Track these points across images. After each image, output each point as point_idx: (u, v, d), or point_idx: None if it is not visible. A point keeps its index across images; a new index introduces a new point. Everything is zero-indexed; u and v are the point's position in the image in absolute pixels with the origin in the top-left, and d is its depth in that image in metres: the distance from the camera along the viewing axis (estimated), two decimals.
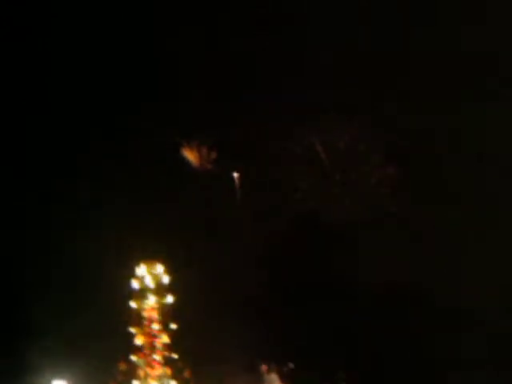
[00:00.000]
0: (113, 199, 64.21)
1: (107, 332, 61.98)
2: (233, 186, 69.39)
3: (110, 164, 65.19)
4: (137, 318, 65.09)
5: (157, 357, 63.54)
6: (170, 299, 64.90)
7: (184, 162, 69.66)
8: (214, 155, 69.42)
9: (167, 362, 64.02)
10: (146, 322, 64.51)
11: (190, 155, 69.31)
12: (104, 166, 65.00)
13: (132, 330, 64.01)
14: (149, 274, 65.52)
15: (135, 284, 65.31)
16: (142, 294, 65.38)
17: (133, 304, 64.62)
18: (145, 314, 64.68)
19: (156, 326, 64.12)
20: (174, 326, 64.08)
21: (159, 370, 63.63)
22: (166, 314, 64.72)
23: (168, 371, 63.73)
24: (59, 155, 66.34)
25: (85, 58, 66.73)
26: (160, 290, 65.60)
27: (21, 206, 63.97)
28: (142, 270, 65.60)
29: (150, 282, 65.33)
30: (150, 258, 65.71)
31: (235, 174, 69.79)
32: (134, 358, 63.88)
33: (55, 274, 63.74)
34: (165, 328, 64.15)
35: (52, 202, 63.76)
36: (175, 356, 63.69)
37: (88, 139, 65.83)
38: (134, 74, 66.85)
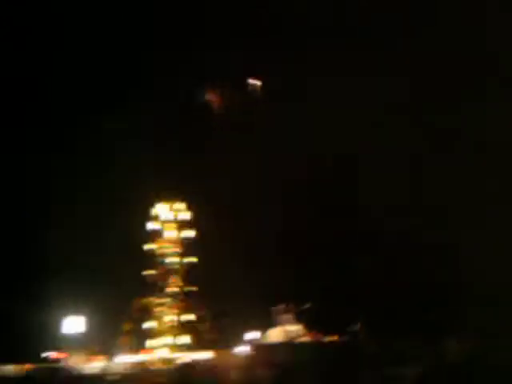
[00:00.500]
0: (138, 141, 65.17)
1: (124, 270, 62.98)
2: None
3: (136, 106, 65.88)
4: (153, 258, 66.13)
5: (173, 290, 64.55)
6: (190, 233, 65.83)
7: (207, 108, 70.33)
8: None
9: (184, 297, 65.22)
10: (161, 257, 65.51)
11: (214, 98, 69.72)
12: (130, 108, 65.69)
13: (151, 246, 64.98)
14: (170, 210, 66.46)
15: (153, 225, 66.27)
16: (160, 232, 66.40)
17: (151, 246, 65.67)
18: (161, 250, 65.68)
19: (175, 259, 64.93)
20: (193, 259, 65.25)
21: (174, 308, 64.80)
22: (185, 247, 65.69)
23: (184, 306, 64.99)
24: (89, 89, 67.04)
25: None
26: (179, 225, 66.52)
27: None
28: (162, 207, 66.50)
29: (170, 217, 66.35)
30: (171, 196, 66.65)
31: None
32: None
33: (76, 210, 64.43)
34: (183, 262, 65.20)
35: (78, 139, 64.19)
36: (192, 288, 64.77)
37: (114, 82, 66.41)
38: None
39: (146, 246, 65.39)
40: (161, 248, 66.01)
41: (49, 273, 61.99)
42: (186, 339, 64.83)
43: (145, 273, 65.20)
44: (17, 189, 63.49)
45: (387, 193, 63.22)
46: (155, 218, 66.27)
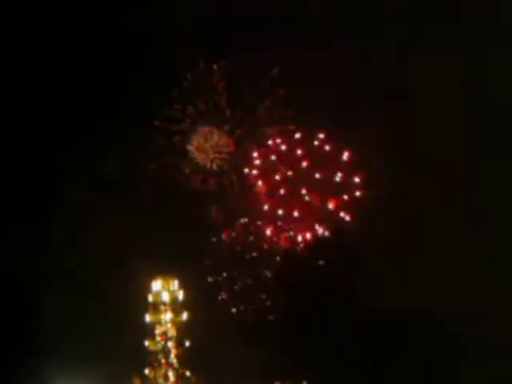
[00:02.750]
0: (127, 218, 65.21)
1: (122, 347, 62.61)
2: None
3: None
4: (151, 333, 65.69)
5: (170, 372, 64.07)
6: (184, 316, 65.37)
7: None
8: None
9: (180, 378, 64.55)
10: (160, 338, 65.09)
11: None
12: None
13: (147, 343, 64.73)
14: (164, 289, 66.11)
15: (151, 298, 65.99)
16: (157, 308, 66.01)
17: (148, 318, 65.31)
18: (159, 329, 65.27)
19: (170, 343, 64.63)
20: (187, 343, 64.82)
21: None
22: (180, 330, 65.25)
23: None
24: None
25: None
26: (175, 306, 66.07)
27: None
28: (157, 285, 66.21)
29: (165, 297, 65.98)
30: (165, 273, 66.36)
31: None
32: (147, 372, 64.84)
33: (68, 290, 64.47)
34: (179, 344, 64.72)
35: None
36: (188, 373, 64.29)
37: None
38: None
39: (147, 318, 65.01)
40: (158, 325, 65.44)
41: (43, 351, 61.68)
42: None
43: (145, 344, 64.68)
44: None
45: None
46: (154, 294, 65.99)
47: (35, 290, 62.87)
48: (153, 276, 66.27)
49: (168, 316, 65.14)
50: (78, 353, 61.86)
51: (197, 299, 65.51)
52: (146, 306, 66.26)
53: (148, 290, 66.34)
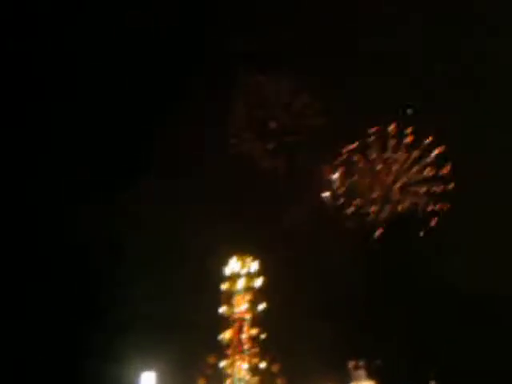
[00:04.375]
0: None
1: (196, 325, 63.28)
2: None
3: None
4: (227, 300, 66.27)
5: (245, 347, 64.45)
6: (262, 305, 65.76)
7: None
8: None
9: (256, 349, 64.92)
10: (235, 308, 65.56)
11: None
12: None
13: (222, 310, 65.22)
14: (239, 261, 66.80)
15: (227, 270, 66.68)
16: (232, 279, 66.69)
17: (224, 286, 65.95)
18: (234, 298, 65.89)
19: (245, 306, 65.01)
20: (261, 306, 65.06)
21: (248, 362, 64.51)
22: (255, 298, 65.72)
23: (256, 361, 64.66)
24: None
25: None
26: (253, 292, 66.57)
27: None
28: (233, 262, 66.86)
29: (240, 269, 66.65)
30: (241, 249, 66.98)
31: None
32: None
33: (149, 265, 65.54)
34: (252, 308, 65.16)
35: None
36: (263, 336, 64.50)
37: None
38: None
39: (221, 309, 65.46)
40: (233, 303, 65.83)
41: (122, 328, 62.84)
42: None
43: (220, 336, 65.07)
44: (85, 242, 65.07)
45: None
46: (227, 277, 66.49)
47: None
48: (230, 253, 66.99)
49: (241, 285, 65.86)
50: (153, 332, 63.16)
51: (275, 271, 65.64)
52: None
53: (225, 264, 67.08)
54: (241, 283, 66.14)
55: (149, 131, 68.79)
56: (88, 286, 64.89)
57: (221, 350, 64.70)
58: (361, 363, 62.59)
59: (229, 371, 64.11)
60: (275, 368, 63.30)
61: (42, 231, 65.27)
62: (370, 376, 62.23)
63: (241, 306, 65.53)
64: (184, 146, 68.32)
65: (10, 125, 65.59)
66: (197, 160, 68.74)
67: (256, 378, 63.84)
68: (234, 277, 66.52)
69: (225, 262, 67.15)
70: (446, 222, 66.67)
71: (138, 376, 62.01)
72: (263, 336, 64.54)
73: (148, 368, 62.23)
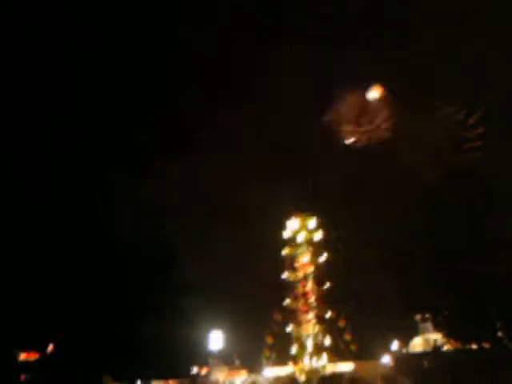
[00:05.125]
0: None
1: (262, 284, 64.12)
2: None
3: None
4: (290, 265, 66.77)
5: (311, 300, 65.00)
6: (323, 257, 66.13)
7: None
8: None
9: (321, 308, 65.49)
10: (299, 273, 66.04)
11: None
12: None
13: (285, 276, 65.79)
14: (302, 227, 67.02)
15: (288, 234, 67.02)
16: (294, 244, 67.03)
17: (285, 251, 66.40)
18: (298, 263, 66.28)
19: (306, 257, 65.44)
20: (324, 257, 65.66)
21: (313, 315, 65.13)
22: (317, 249, 66.10)
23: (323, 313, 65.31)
24: None
25: None
26: (314, 245, 66.94)
27: None
28: (294, 222, 67.15)
29: (302, 236, 66.89)
30: (303, 211, 67.22)
31: None
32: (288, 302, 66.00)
33: (212, 226, 66.54)
34: (314, 260, 65.62)
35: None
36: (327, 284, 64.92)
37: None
38: None
39: (284, 275, 66.02)
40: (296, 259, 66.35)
41: (191, 289, 64.04)
42: (327, 342, 64.50)
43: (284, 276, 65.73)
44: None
45: None
46: (287, 237, 66.90)
47: None
48: (290, 214, 67.22)
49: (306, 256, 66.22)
50: (220, 289, 64.36)
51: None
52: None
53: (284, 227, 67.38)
54: (301, 237, 66.49)
55: None
56: (157, 250, 66.15)
57: (287, 315, 65.57)
58: (427, 316, 62.64)
59: (296, 332, 65.03)
60: (342, 322, 63.97)
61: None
62: (436, 328, 62.33)
63: (303, 258, 66.09)
64: None
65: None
66: None
67: (322, 327, 64.65)
68: (295, 234, 66.98)
69: (284, 224, 67.61)
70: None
71: (207, 335, 63.46)
72: (327, 286, 65.01)
73: (216, 327, 63.58)
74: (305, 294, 65.58)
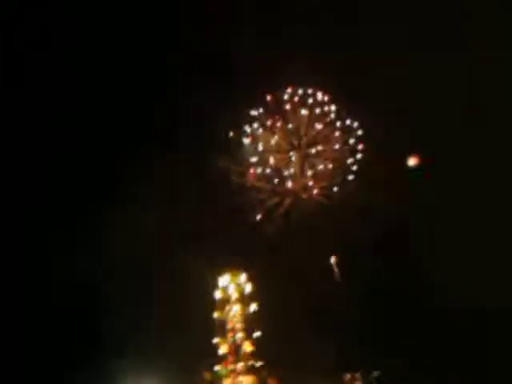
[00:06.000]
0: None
1: (191, 343, 62.79)
2: None
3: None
4: (221, 328, 65.55)
5: (241, 365, 63.66)
6: (253, 307, 65.17)
7: None
8: None
9: (251, 370, 64.09)
10: (230, 332, 64.89)
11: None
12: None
13: (216, 339, 64.54)
14: (232, 283, 66.12)
15: (218, 294, 66.00)
16: (225, 304, 65.96)
17: (216, 314, 65.24)
18: (229, 324, 65.15)
19: (240, 335, 64.34)
20: (258, 334, 64.47)
21: (244, 379, 63.69)
22: (250, 322, 64.97)
23: (252, 379, 63.87)
24: None
25: None
26: (243, 299, 65.96)
27: None
28: (225, 279, 66.27)
29: (233, 292, 65.95)
30: (233, 267, 66.47)
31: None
32: (218, 367, 64.52)
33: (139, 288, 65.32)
34: (249, 336, 64.45)
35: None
36: (260, 363, 63.75)
37: None
38: None
39: (215, 314, 64.97)
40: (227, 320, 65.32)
41: (113, 348, 62.54)
42: None
43: (214, 340, 64.53)
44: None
45: None
46: (222, 289, 66.07)
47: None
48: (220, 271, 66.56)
49: (235, 309, 65.26)
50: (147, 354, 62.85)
51: (265, 290, 65.35)
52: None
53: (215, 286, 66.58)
54: (236, 308, 65.86)
55: None
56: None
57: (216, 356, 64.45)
58: (357, 375, 62.26)
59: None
60: (272, 381, 63.08)
61: None
62: None
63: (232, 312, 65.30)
64: None
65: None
66: None
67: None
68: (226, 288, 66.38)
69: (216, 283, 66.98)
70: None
71: None
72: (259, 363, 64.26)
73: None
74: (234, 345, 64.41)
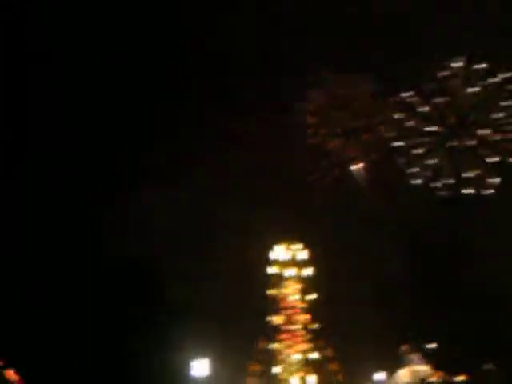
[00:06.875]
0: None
1: (248, 312, 63.14)
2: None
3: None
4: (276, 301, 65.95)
5: (297, 329, 64.11)
6: (309, 271, 65.42)
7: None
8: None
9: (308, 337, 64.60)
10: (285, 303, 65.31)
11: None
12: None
13: (271, 292, 65.05)
14: (288, 250, 66.32)
15: (274, 269, 66.35)
16: (280, 275, 66.27)
17: (272, 290, 65.72)
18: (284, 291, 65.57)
19: (296, 296, 64.68)
20: (313, 296, 64.84)
21: (299, 346, 64.13)
22: (306, 287, 65.39)
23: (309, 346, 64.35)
24: None
25: None
26: (299, 264, 66.25)
27: None
28: (280, 249, 66.48)
29: (288, 257, 66.25)
30: (289, 238, 66.61)
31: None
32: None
33: (197, 255, 65.53)
34: (303, 297, 64.86)
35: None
36: (316, 326, 64.16)
37: None
38: None
39: (269, 291, 65.09)
40: (282, 289, 65.53)
41: (176, 315, 62.83)
42: (312, 380, 63.26)
43: (268, 318, 64.79)
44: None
45: None
46: (274, 262, 66.11)
47: None
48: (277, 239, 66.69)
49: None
50: (205, 318, 63.15)
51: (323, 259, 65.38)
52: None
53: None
54: (292, 271, 65.88)
55: None
56: (142, 274, 64.91)
57: (271, 333, 64.64)
58: (414, 347, 62.40)
59: (281, 356, 64.00)
60: (329, 352, 63.22)
61: None
62: (423, 359, 62.04)
63: (292, 295, 65.33)
64: None
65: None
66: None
67: (309, 369, 63.76)
68: (283, 263, 66.27)
69: (271, 247, 66.92)
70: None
71: (190, 363, 62.03)
72: (315, 325, 64.28)
73: (201, 355, 62.19)
74: (291, 323, 64.64)
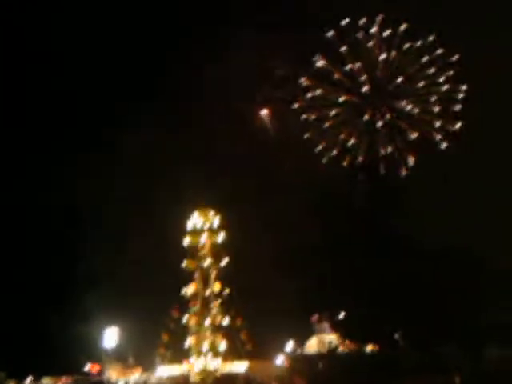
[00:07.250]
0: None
1: (160, 282, 63.00)
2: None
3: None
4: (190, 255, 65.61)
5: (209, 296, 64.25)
6: (221, 236, 65.26)
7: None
8: None
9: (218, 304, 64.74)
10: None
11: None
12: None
13: (185, 264, 64.71)
14: (202, 217, 65.97)
15: (189, 225, 65.85)
16: (196, 245, 65.92)
17: (187, 240, 65.17)
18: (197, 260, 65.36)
19: (209, 260, 64.56)
20: (225, 260, 64.84)
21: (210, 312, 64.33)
22: (218, 251, 65.14)
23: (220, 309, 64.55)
24: None
25: None
26: (213, 231, 65.92)
27: None
28: (195, 215, 66.15)
29: (203, 224, 65.90)
30: (203, 204, 66.25)
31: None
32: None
33: (115, 223, 65.19)
34: (216, 263, 64.72)
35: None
36: (227, 291, 64.17)
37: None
38: None
39: (184, 263, 64.80)
40: (196, 257, 65.28)
41: (86, 284, 62.51)
42: (222, 346, 63.39)
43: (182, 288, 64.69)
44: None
45: None
46: (191, 231, 65.73)
47: None
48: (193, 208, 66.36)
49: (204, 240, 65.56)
50: (117, 287, 62.95)
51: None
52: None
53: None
54: (203, 238, 65.48)
55: None
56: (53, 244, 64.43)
57: (184, 304, 64.48)
58: (324, 316, 62.96)
59: (192, 327, 63.96)
60: (238, 322, 63.34)
61: None
62: (333, 328, 62.68)
63: (204, 261, 65.06)
64: None
65: None
66: None
67: (219, 335, 63.80)
68: (197, 231, 65.89)
69: (187, 216, 66.53)
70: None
71: (102, 332, 61.72)
72: (227, 291, 64.16)
73: (112, 323, 61.92)
74: (204, 289, 64.54)
